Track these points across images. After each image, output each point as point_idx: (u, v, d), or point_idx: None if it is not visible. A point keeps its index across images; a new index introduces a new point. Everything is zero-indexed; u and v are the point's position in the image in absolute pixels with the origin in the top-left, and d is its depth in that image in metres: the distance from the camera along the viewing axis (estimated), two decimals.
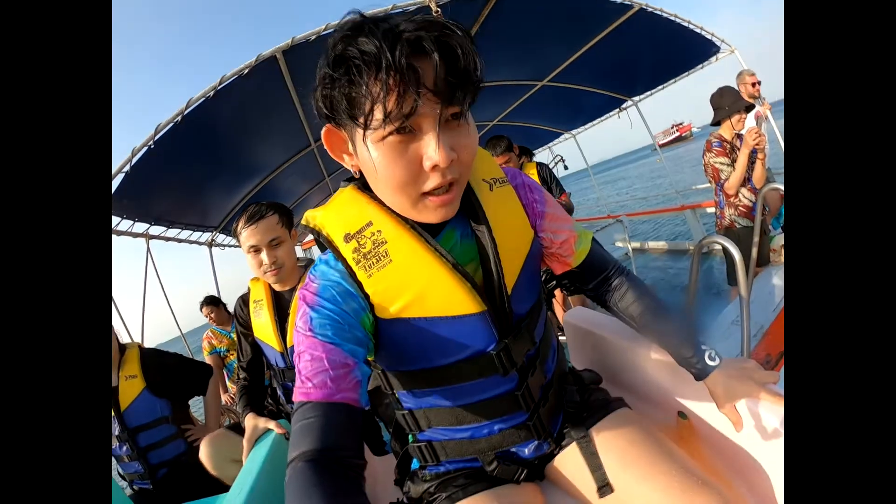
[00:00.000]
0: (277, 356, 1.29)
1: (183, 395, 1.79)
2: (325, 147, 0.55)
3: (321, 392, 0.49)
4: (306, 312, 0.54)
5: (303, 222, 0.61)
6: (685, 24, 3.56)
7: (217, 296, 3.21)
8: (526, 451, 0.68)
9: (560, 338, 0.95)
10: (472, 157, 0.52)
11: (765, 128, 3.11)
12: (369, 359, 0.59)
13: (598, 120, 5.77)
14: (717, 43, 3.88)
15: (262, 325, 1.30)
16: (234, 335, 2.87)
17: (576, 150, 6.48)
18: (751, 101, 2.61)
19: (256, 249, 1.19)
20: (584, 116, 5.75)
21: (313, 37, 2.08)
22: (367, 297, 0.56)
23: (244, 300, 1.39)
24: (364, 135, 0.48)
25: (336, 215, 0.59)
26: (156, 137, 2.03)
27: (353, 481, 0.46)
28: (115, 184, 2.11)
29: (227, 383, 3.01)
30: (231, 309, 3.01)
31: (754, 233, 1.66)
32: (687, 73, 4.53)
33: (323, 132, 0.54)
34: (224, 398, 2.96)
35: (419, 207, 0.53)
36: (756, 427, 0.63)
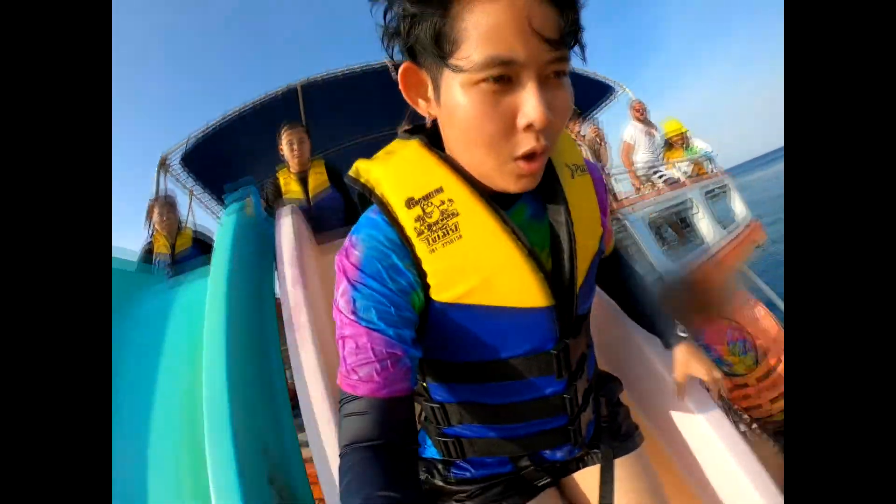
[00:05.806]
0: None
1: None
2: (400, 86, 0.49)
3: (367, 386, 0.46)
4: (347, 291, 0.48)
5: (351, 173, 0.55)
6: (585, 74, 4.26)
7: None
8: (558, 454, 0.65)
9: None
10: (565, 123, 0.48)
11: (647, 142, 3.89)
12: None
13: None
14: (613, 86, 4.81)
15: None
16: None
17: None
18: (639, 122, 3.83)
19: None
20: None
21: None
22: (423, 274, 0.50)
23: None
24: (452, 77, 0.43)
25: (397, 174, 0.52)
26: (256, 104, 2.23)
27: (405, 467, 0.47)
28: (196, 139, 2.28)
29: None
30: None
31: None
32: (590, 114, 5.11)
33: (400, 70, 0.48)
34: None
35: (503, 171, 0.47)
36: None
